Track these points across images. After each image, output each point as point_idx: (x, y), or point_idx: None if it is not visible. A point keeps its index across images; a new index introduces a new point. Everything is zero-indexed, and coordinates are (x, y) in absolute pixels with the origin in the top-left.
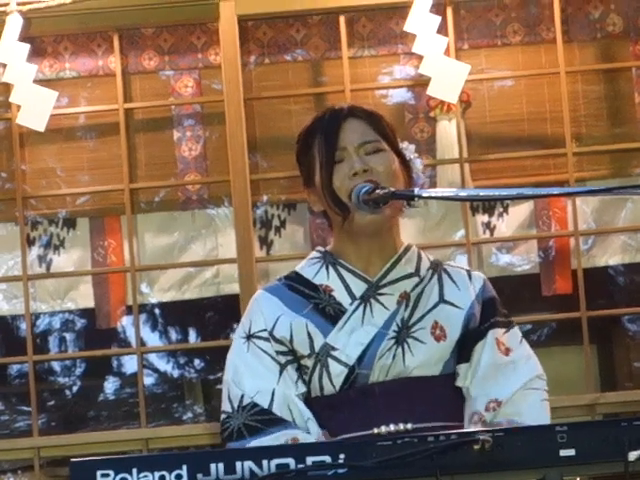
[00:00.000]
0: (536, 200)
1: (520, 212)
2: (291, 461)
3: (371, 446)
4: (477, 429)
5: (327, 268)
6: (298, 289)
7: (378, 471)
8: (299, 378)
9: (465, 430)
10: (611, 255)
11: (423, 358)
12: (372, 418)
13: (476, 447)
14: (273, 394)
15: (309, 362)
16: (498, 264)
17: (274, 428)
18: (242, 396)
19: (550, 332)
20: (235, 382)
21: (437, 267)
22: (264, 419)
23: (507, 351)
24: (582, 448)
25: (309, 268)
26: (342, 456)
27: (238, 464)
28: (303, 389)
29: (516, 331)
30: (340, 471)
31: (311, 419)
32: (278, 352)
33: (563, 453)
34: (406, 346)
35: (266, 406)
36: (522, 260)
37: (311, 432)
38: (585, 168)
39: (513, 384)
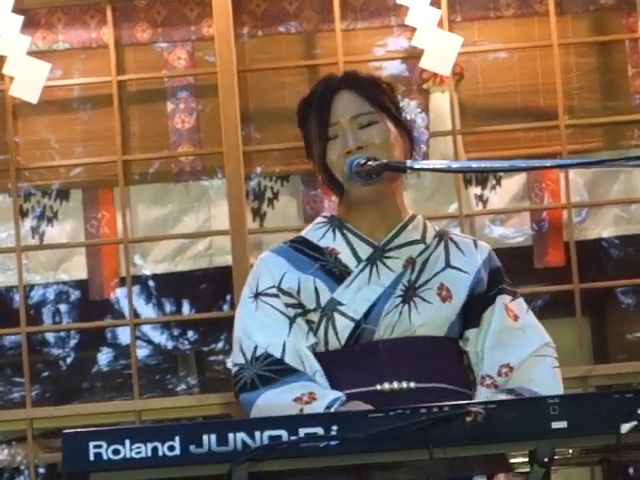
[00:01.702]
0: (529, 172)
1: (513, 184)
2: (284, 433)
3: (364, 418)
4: (474, 401)
5: (333, 231)
6: (304, 251)
7: (371, 443)
8: (309, 330)
9: (456, 402)
10: (604, 227)
11: (429, 317)
12: (376, 375)
13: (468, 419)
14: (284, 346)
15: (315, 317)
16: (491, 236)
17: (288, 378)
18: (255, 347)
19: (543, 304)
20: (247, 336)
21: (443, 236)
22: (277, 369)
23: (515, 317)
24: (574, 420)
25: (315, 232)
26: (335, 428)
27: (230, 435)
28: (313, 340)
29: (521, 301)
30: (332, 443)
31: (319, 371)
32: (287, 305)
33: (555, 425)
34: (412, 304)
35: (279, 357)
36: (515, 232)
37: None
38: (578, 140)
39: (524, 350)
